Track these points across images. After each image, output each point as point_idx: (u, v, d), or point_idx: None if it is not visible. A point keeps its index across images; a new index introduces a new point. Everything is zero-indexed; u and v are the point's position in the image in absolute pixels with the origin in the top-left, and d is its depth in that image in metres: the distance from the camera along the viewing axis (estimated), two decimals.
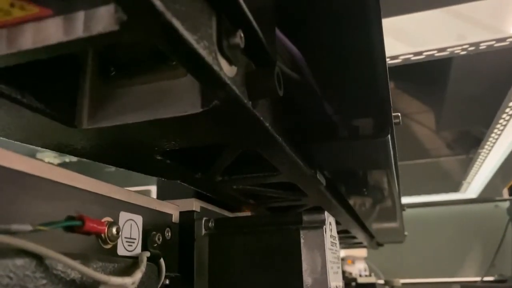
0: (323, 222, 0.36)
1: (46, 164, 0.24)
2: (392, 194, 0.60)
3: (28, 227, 0.20)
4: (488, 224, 2.12)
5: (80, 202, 0.26)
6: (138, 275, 0.25)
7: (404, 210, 0.85)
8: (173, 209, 0.37)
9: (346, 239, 1.05)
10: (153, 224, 0.33)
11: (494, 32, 0.76)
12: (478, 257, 2.14)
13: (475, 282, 2.01)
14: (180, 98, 0.23)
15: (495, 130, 1.22)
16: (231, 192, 0.42)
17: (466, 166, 1.62)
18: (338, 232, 0.86)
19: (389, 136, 0.33)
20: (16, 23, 0.17)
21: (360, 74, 0.30)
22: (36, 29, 0.17)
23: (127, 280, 0.24)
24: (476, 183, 1.88)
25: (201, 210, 0.40)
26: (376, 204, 0.67)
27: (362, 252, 1.48)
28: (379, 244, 1.36)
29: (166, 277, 0.31)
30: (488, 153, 1.45)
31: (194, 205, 0.39)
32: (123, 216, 0.30)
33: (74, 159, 1.37)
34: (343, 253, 1.44)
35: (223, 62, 0.19)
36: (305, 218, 0.37)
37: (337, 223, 0.71)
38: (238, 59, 0.21)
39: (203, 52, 0.17)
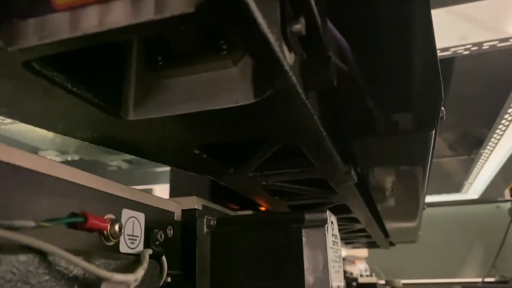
0: (325, 221, 0.36)
1: (50, 161, 0.24)
2: (418, 192, 0.59)
3: (32, 223, 0.20)
4: (490, 225, 2.12)
5: (83, 199, 0.26)
6: (140, 272, 0.25)
7: (424, 208, 0.83)
8: (175, 207, 0.37)
9: (360, 238, 1.04)
10: (156, 222, 0.33)
11: (497, 32, 0.76)
12: (480, 258, 2.14)
13: (476, 283, 2.00)
14: (230, 89, 0.22)
15: (497, 131, 1.22)
16: (259, 189, 0.41)
17: (468, 167, 1.61)
18: (354, 231, 0.85)
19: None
20: (80, 5, 0.16)
21: (408, 65, 0.29)
22: (102, 10, 0.16)
23: (129, 277, 0.24)
24: (477, 184, 1.88)
25: (203, 208, 0.40)
26: (400, 202, 0.65)
27: (363, 252, 1.48)
28: (391, 244, 1.34)
29: (168, 274, 0.31)
30: (490, 154, 1.44)
31: (196, 203, 0.39)
32: (126, 213, 0.30)
33: (76, 157, 1.37)
34: (344, 253, 1.44)
35: (285, 49, 0.19)
36: (307, 217, 0.37)
37: (356, 221, 0.70)
38: (296, 47, 0.20)
39: (271, 38, 0.17)
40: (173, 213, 0.37)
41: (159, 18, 0.15)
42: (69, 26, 0.16)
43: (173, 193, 0.62)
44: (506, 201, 2.04)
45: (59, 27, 0.16)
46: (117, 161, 1.40)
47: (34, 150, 1.27)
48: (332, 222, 0.39)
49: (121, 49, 0.24)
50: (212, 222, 0.39)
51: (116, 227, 0.27)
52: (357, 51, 0.28)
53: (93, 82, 0.23)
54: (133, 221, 0.31)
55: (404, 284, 1.60)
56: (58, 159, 1.45)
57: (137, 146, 0.30)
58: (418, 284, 2.08)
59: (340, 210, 0.57)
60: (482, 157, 1.49)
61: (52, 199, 0.23)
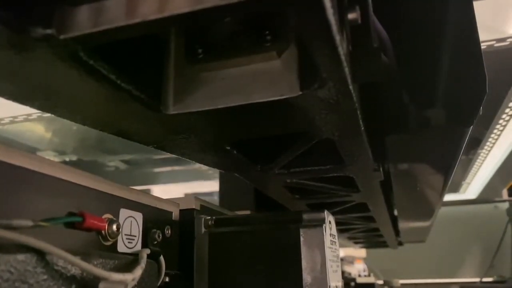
0: (323, 221, 0.36)
1: (48, 160, 0.24)
2: (440, 189, 0.57)
3: (29, 223, 0.20)
4: (488, 225, 2.12)
5: (81, 199, 0.26)
6: (138, 271, 0.25)
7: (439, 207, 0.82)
8: (173, 207, 0.37)
9: (371, 237, 1.03)
10: (153, 222, 0.33)
11: (494, 32, 0.76)
12: (477, 258, 2.14)
13: (474, 283, 2.01)
14: (275, 81, 0.22)
15: (495, 131, 1.22)
16: (281, 187, 0.41)
17: (465, 167, 1.62)
18: (366, 231, 0.84)
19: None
20: None
21: (449, 56, 0.28)
22: None
23: (127, 277, 0.24)
24: (475, 183, 1.88)
25: (201, 208, 0.40)
26: (420, 200, 0.63)
27: (361, 252, 1.48)
28: (400, 244, 1.33)
29: (166, 274, 0.31)
30: (487, 154, 1.45)
31: (194, 203, 0.39)
32: (124, 213, 0.30)
33: (74, 158, 1.37)
34: (342, 253, 1.44)
35: (343, 38, 0.18)
36: (305, 216, 0.37)
37: (371, 220, 0.70)
38: (348, 36, 0.19)
39: (333, 24, 0.16)
40: (171, 213, 0.37)
41: (226, 4, 0.14)
42: (126, 12, 0.15)
43: (223, 199, 0.62)
44: (504, 201, 2.05)
45: (115, 13, 0.15)
46: (115, 161, 1.40)
47: (32, 150, 1.27)
48: (330, 222, 0.39)
49: (160, 41, 0.24)
50: (210, 222, 0.39)
51: (114, 226, 0.27)
52: (394, 42, 0.26)
53: (133, 75, 0.22)
54: (131, 221, 0.31)
55: (402, 284, 1.60)
56: (56, 159, 1.45)
57: (169, 143, 0.29)
58: (416, 284, 2.09)
59: (356, 209, 0.56)
60: (480, 157, 1.49)
61: (50, 198, 0.23)
